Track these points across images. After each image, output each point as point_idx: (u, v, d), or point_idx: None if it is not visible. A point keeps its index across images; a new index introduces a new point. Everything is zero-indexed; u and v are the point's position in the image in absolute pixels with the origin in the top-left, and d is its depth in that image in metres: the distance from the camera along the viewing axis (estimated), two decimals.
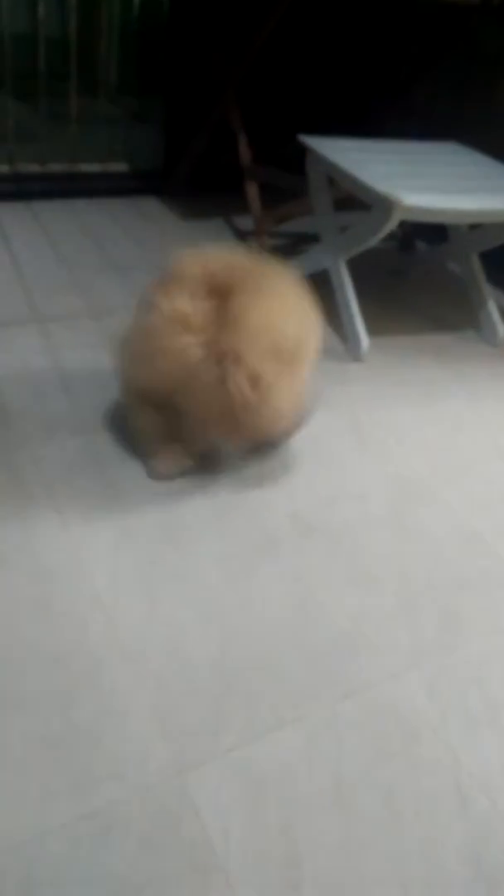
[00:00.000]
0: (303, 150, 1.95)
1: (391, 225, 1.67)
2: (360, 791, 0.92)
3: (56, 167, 2.63)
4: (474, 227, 2.03)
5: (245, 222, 2.44)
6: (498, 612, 1.20)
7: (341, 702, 1.02)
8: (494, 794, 0.94)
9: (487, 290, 2.05)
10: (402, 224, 1.82)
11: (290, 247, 2.38)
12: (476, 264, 2.06)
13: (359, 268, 1.68)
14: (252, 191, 2.42)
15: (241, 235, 2.45)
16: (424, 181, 1.78)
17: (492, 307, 2.02)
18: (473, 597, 1.22)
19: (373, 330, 1.87)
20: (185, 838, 0.85)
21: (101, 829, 0.84)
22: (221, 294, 1.23)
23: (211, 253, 1.33)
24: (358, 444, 1.55)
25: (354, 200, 1.81)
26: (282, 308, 1.27)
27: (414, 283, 2.32)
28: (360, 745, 0.97)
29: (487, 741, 1.00)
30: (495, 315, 2.01)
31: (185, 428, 1.32)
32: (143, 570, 1.18)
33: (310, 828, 0.88)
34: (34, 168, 2.60)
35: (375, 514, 1.36)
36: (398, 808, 0.91)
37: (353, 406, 1.66)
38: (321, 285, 1.52)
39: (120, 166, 2.73)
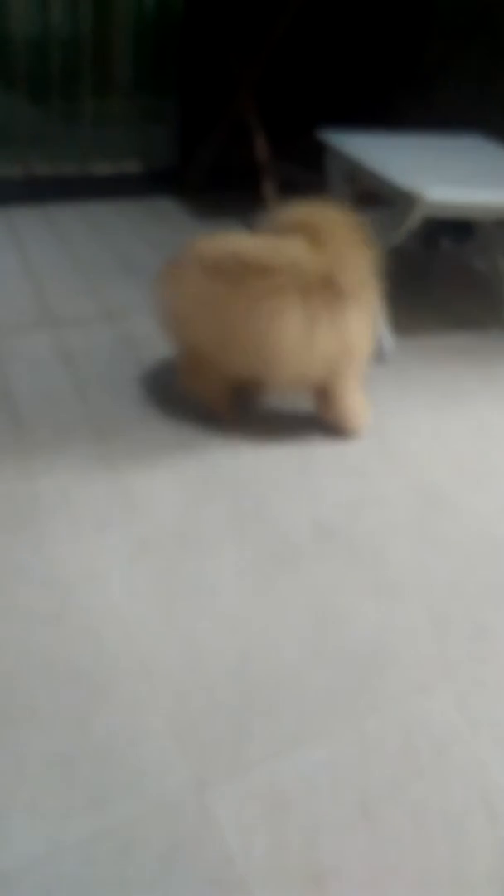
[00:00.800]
0: (321, 145, 1.95)
1: (415, 221, 1.66)
2: (386, 807, 0.91)
3: (69, 168, 2.66)
4: (500, 222, 2.01)
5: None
6: None
7: (367, 716, 1.02)
8: None
9: None
10: (426, 221, 1.81)
11: None
12: (502, 261, 2.04)
13: (381, 266, 1.67)
14: (269, 188, 2.43)
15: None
16: (449, 175, 1.77)
17: None
18: (502, 606, 1.20)
19: (396, 330, 1.87)
20: (206, 855, 0.85)
21: (120, 846, 0.84)
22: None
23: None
24: (380, 448, 1.54)
25: (375, 196, 1.80)
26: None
27: (438, 282, 2.31)
28: (386, 759, 0.97)
29: None
30: None
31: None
32: (160, 580, 1.18)
33: (334, 845, 0.87)
34: (47, 170, 2.63)
35: (399, 522, 1.36)
36: (426, 825, 0.90)
37: (375, 409, 1.65)
38: None
39: (134, 166, 2.75)
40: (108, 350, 1.75)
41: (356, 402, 1.53)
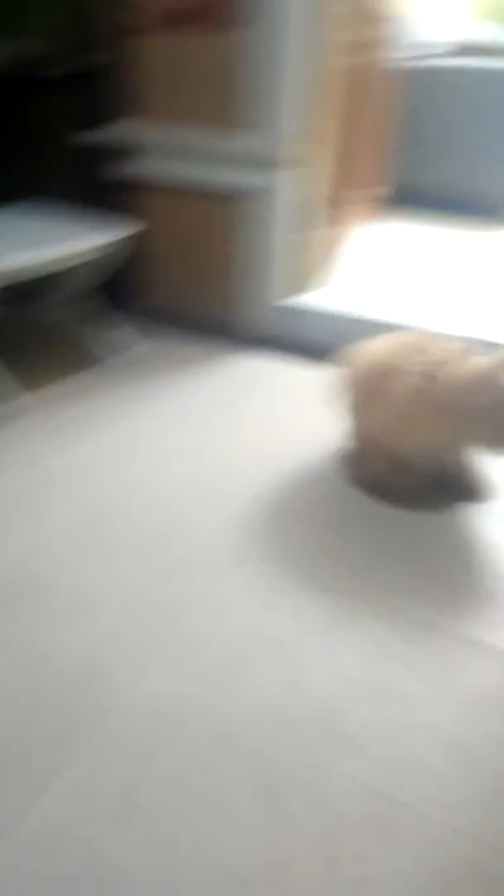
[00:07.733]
0: None
1: None
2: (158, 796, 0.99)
3: None
4: (50, 277, 2.09)
5: None
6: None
7: (101, 730, 1.08)
8: None
9: (98, 323, 2.25)
10: (8, 287, 1.86)
11: None
12: (76, 308, 2.24)
13: None
14: None
15: None
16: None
17: (106, 337, 2.24)
18: (170, 582, 1.35)
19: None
20: None
21: None
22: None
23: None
24: (13, 500, 1.62)
25: None
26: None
27: (32, 339, 2.41)
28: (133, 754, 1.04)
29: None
30: (110, 343, 2.24)
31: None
32: None
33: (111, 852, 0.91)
34: None
35: (64, 551, 1.44)
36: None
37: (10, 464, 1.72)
38: None
39: None
40: None
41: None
